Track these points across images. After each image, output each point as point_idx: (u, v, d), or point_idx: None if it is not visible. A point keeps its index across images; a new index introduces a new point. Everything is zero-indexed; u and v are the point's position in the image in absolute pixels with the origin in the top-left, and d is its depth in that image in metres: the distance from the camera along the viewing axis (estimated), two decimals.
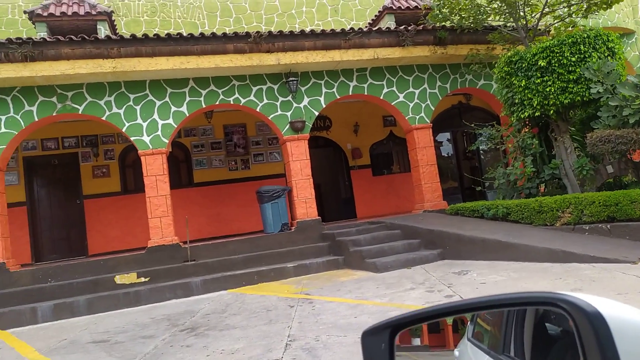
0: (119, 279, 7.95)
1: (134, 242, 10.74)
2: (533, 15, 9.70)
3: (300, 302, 6.04)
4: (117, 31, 10.72)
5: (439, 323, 0.99)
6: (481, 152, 13.77)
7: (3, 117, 8.40)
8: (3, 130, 8.38)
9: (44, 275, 8.13)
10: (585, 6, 9.24)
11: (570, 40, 7.73)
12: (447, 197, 10.76)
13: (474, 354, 1.00)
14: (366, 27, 10.85)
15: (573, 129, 8.92)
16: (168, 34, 8.62)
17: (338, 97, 10.05)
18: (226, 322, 5.45)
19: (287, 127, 9.63)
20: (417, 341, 0.96)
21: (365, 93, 10.20)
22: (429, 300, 5.14)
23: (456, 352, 1.05)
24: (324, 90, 9.94)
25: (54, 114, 8.63)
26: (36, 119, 8.55)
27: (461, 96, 13.61)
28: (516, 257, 6.71)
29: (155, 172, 8.84)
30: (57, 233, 11.08)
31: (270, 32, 9.05)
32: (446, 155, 14.18)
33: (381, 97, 10.27)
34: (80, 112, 8.73)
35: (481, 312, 0.99)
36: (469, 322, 1.07)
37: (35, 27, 9.73)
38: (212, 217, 11.74)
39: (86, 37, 8.23)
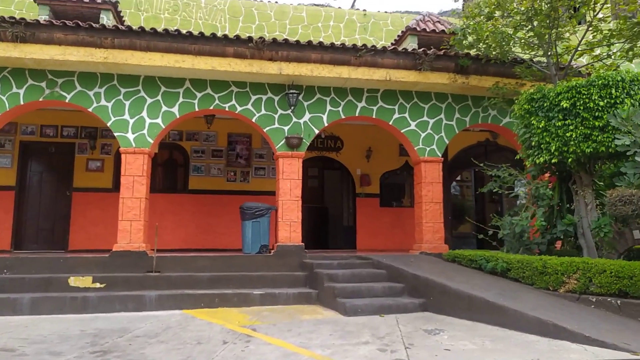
0: (73, 281, 7.40)
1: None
2: (567, 51, 8.73)
3: (238, 338, 5.29)
4: (124, 23, 10.41)
5: None
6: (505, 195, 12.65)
7: None
8: None
9: (1, 265, 7.69)
10: (627, 47, 8.20)
11: (600, 82, 6.72)
12: (461, 240, 9.79)
13: None
14: (389, 46, 10.11)
15: (601, 183, 7.85)
16: (165, 30, 8.17)
17: (343, 116, 9.30)
18: (143, 351, 4.76)
19: (283, 142, 8.96)
20: None
21: (374, 116, 9.40)
22: None
23: None
24: (328, 107, 9.23)
25: (40, 99, 8.30)
26: (22, 103, 8.24)
27: (488, 133, 12.62)
28: (502, 322, 5.73)
29: (134, 172, 8.33)
30: (42, 223, 10.76)
31: (274, 39, 8.47)
32: (457, 194, 13.14)
33: (390, 123, 9.44)
34: (67, 101, 8.36)
35: None
36: None
37: (39, 9, 9.54)
38: (202, 228, 11.17)
39: (80, 23, 7.88)
